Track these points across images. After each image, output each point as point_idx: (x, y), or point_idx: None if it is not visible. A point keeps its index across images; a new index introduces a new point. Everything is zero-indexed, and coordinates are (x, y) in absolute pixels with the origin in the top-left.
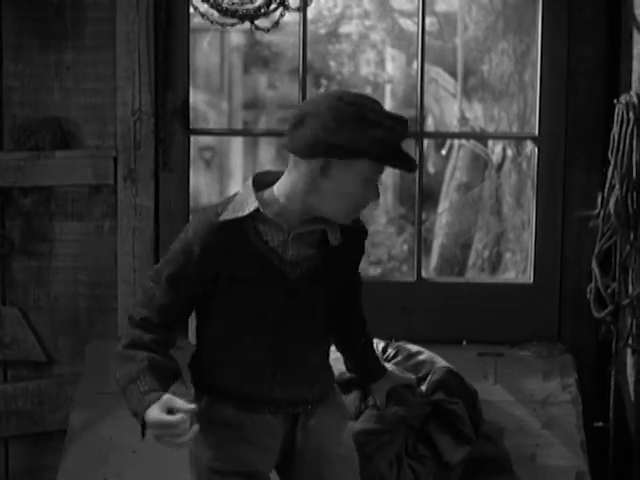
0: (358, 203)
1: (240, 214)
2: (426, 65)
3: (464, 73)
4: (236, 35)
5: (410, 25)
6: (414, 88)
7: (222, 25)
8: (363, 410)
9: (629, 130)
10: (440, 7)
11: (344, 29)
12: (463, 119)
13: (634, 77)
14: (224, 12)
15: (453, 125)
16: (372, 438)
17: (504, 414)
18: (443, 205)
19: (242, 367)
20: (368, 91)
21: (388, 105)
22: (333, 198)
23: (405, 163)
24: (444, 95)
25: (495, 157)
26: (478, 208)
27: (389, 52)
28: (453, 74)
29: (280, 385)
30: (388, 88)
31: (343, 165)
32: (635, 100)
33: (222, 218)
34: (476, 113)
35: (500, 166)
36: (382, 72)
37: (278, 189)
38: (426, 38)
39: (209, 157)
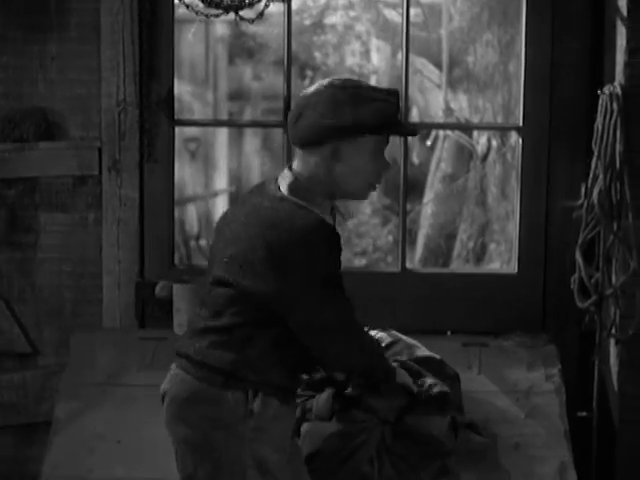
0: (373, 178)
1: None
2: (411, 56)
3: (449, 64)
4: (221, 26)
5: (395, 16)
6: (399, 79)
7: (207, 16)
8: (336, 410)
9: (612, 121)
10: None
11: (329, 20)
12: (448, 110)
13: (618, 69)
14: (208, 3)
15: (438, 116)
16: (347, 440)
17: (488, 404)
18: (428, 196)
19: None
20: None
21: None
22: (349, 178)
23: (406, 129)
24: (429, 86)
25: (480, 148)
26: (463, 199)
27: (374, 43)
28: (438, 65)
29: None
30: (373, 79)
31: (350, 145)
32: (619, 91)
33: (324, 218)
34: (461, 104)
35: (485, 157)
36: (367, 63)
37: (305, 186)
38: (411, 29)
39: (194, 148)
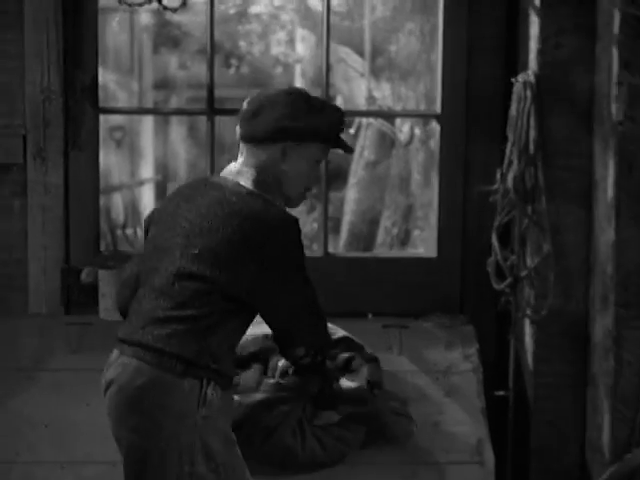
0: (308, 185)
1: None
2: (335, 45)
3: (372, 53)
4: (145, 15)
5: (318, 5)
6: (322, 68)
7: (130, 5)
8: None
9: (526, 108)
10: None
11: (254, 9)
12: (370, 98)
13: (531, 57)
14: None
15: (361, 104)
16: (272, 409)
17: (408, 384)
18: (352, 183)
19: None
20: (278, 71)
21: (298, 84)
22: (290, 180)
23: (347, 146)
24: (353, 75)
25: (403, 136)
26: (385, 186)
27: (299, 32)
28: (362, 54)
29: None
30: (298, 68)
31: (298, 148)
32: (532, 79)
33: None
34: (384, 92)
35: (408, 144)
36: (292, 52)
37: (267, 182)
38: (334, 18)
39: (120, 137)
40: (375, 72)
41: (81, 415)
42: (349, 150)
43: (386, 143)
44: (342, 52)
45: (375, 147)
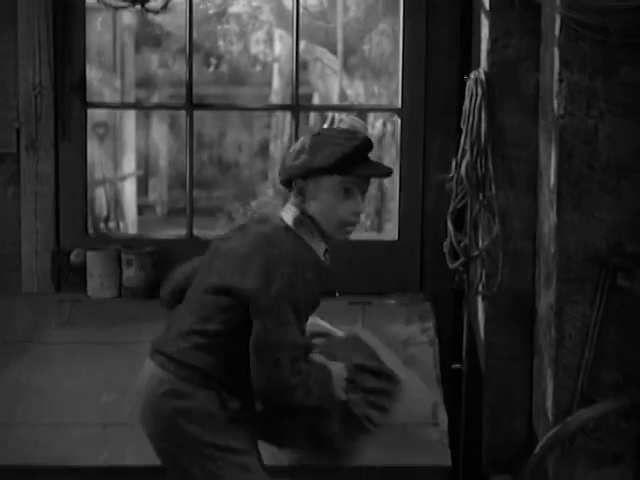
0: (343, 217)
1: None
2: (311, 45)
3: (346, 52)
4: (128, 15)
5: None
6: (300, 66)
7: (115, 8)
8: None
9: (477, 103)
10: None
11: (233, 9)
12: (343, 95)
13: (482, 56)
14: None
15: (334, 101)
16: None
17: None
18: None
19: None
20: (257, 69)
21: (276, 83)
22: (321, 216)
23: (372, 171)
24: (329, 73)
25: (376, 131)
26: None
27: (277, 32)
28: (337, 53)
29: None
30: (276, 66)
31: (312, 184)
32: (482, 77)
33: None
34: (357, 90)
35: (381, 140)
36: (270, 51)
37: (306, 221)
38: (310, 19)
39: (102, 133)
40: (349, 70)
41: (70, 382)
42: (378, 175)
43: None
44: (318, 51)
45: None
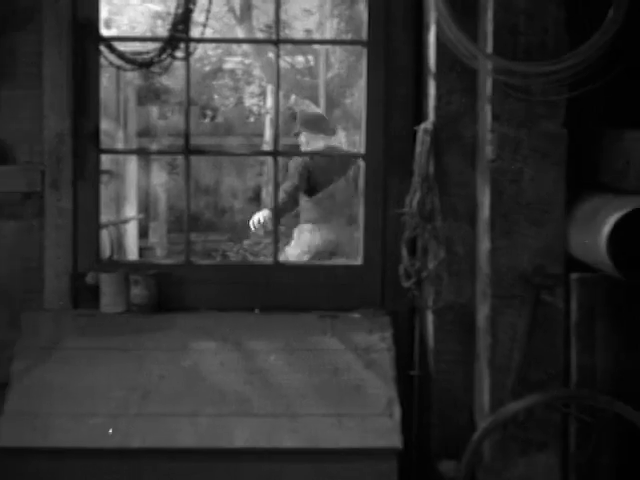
0: None
1: None
2: (298, 98)
3: (330, 106)
4: (131, 72)
5: (283, 63)
6: (290, 118)
7: (125, 70)
8: None
9: (426, 149)
10: (313, 47)
11: (227, 66)
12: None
13: (430, 110)
14: (126, 60)
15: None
16: None
17: (338, 358)
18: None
19: None
20: (251, 120)
21: (267, 134)
22: None
23: None
24: None
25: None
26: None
27: (269, 87)
28: (320, 106)
29: None
30: (267, 118)
31: None
32: (430, 127)
33: None
34: (340, 139)
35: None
36: (263, 104)
37: None
38: (297, 75)
39: (106, 180)
40: (332, 122)
41: (87, 380)
42: None
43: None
44: (303, 104)
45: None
